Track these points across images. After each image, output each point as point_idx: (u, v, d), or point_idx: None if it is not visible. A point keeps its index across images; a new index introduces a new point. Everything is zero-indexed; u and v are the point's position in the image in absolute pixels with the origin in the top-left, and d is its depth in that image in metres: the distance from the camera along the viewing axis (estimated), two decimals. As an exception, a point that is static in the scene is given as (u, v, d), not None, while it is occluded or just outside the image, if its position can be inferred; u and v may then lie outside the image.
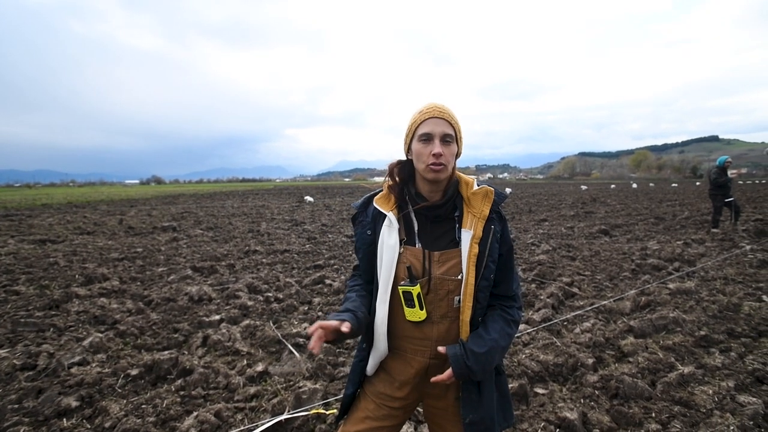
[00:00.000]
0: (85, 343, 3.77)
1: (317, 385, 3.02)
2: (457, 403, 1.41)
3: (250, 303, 4.98)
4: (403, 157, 1.48)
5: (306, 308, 4.94)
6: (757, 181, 59.47)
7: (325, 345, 3.09)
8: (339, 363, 3.49)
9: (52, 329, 4.25)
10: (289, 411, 2.72)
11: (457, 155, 1.39)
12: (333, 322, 1.24)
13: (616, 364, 3.39)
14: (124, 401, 2.92)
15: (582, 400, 2.89)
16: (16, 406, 2.81)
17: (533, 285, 5.66)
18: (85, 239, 10.29)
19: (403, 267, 1.36)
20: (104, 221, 14.16)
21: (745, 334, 3.90)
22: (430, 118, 1.32)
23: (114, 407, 2.81)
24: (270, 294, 5.36)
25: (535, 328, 4.13)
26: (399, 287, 1.35)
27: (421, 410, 2.66)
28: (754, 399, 2.79)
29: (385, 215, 1.41)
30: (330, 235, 10.62)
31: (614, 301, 4.91)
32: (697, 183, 54.01)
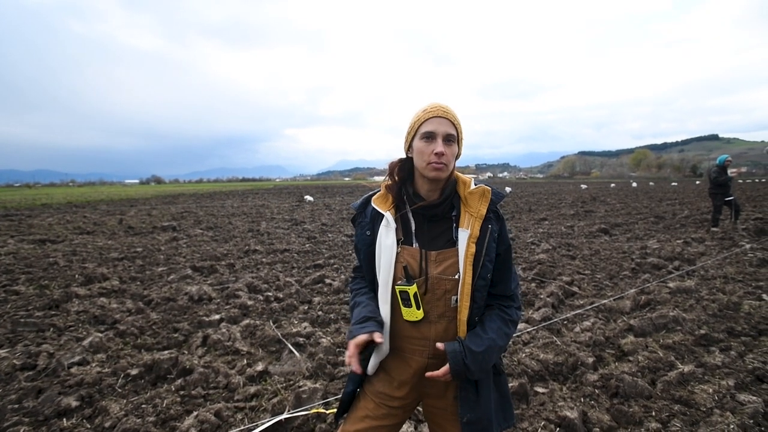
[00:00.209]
0: (85, 342, 3.77)
1: (317, 385, 3.02)
2: (455, 402, 1.41)
3: (250, 302, 4.98)
4: (403, 156, 1.48)
5: (306, 308, 4.93)
6: (756, 180, 59.49)
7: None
8: (339, 362, 3.49)
9: (51, 329, 4.24)
10: (289, 410, 2.72)
11: (457, 156, 1.40)
12: (363, 337, 1.30)
13: (616, 363, 3.39)
14: (124, 401, 2.92)
15: (582, 399, 2.89)
16: (16, 406, 2.81)
17: (533, 284, 5.66)
18: (85, 239, 10.28)
19: (400, 267, 1.36)
20: (104, 221, 14.15)
21: (745, 332, 3.90)
22: (434, 117, 1.32)
23: (114, 407, 2.80)
24: (270, 293, 5.36)
25: (535, 327, 4.13)
26: (396, 287, 1.35)
27: (421, 410, 2.66)
28: (754, 398, 2.79)
29: (383, 215, 1.41)
30: (330, 235, 10.62)
31: (614, 300, 4.92)
32: (697, 182, 54.04)
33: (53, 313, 4.76)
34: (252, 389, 3.06)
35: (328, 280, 6.00)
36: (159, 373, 3.28)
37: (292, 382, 3.17)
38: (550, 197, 24.68)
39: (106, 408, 2.78)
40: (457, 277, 1.34)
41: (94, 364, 3.46)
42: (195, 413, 2.70)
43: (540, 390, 3.03)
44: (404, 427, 2.52)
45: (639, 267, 6.52)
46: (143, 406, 2.84)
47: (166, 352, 3.63)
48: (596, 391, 2.98)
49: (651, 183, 55.29)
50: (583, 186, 42.55)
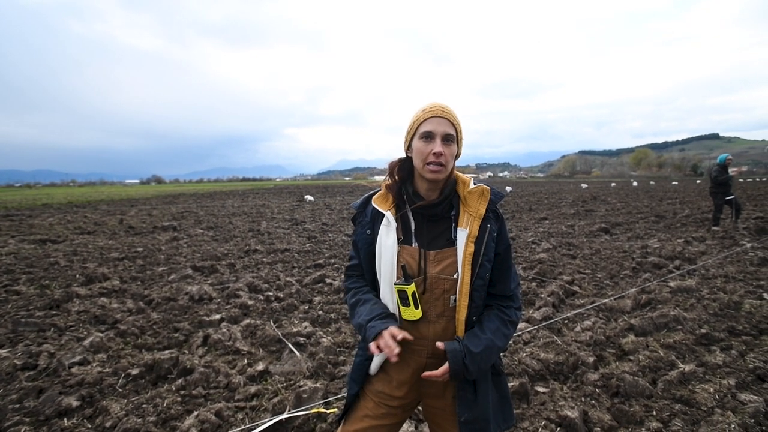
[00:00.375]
0: (86, 342, 3.77)
1: (318, 384, 3.02)
2: (454, 402, 1.41)
3: (250, 302, 4.98)
4: (403, 155, 1.48)
5: (306, 307, 4.93)
6: (757, 179, 59.41)
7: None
8: (339, 362, 3.49)
9: (52, 329, 4.25)
10: (289, 410, 2.72)
11: (457, 156, 1.40)
12: (396, 330, 1.27)
13: (617, 363, 3.38)
14: (125, 401, 2.92)
15: (583, 399, 2.89)
16: (17, 405, 2.81)
17: (534, 283, 5.66)
18: (86, 239, 10.29)
19: (399, 266, 1.36)
20: (104, 221, 14.16)
21: (746, 332, 3.90)
22: (433, 116, 1.32)
23: (115, 407, 2.81)
24: (270, 293, 5.36)
25: (536, 327, 4.12)
26: (394, 286, 1.35)
27: (421, 409, 2.66)
28: (755, 397, 2.78)
29: (383, 214, 1.41)
30: (330, 234, 10.62)
31: (615, 299, 4.91)
32: (698, 181, 53.98)
33: (54, 313, 4.76)
34: (252, 389, 3.06)
35: (328, 280, 6.00)
36: (159, 372, 3.28)
37: (292, 382, 3.17)
38: (550, 196, 24.67)
39: (106, 408, 2.79)
40: (455, 276, 1.34)
41: (94, 364, 3.46)
42: (195, 413, 2.70)
43: (541, 389, 3.03)
44: (404, 426, 2.52)
45: (640, 266, 6.52)
46: (144, 405, 2.84)
47: (166, 351, 3.63)
48: (597, 390, 2.97)
49: (652, 182, 55.25)
50: (584, 185, 42.52)
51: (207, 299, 5.20)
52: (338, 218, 14.47)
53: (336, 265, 7.05)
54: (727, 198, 10.00)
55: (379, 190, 1.48)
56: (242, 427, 2.60)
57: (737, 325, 4.03)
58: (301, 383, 3.11)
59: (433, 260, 1.36)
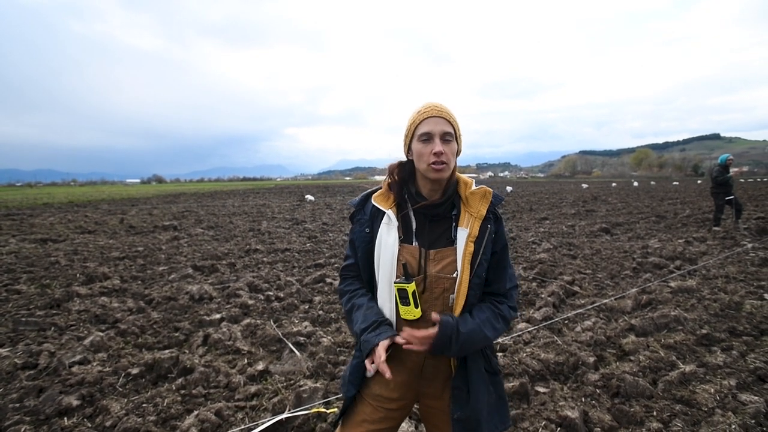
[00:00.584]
0: (86, 342, 3.78)
1: (318, 384, 3.02)
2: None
3: (250, 302, 4.98)
4: (403, 157, 1.48)
5: (307, 307, 4.94)
6: (758, 179, 59.35)
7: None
8: (339, 362, 3.49)
9: (53, 328, 4.25)
10: (289, 410, 2.71)
11: (457, 153, 1.40)
12: (386, 342, 1.29)
13: (618, 363, 3.38)
14: (125, 400, 2.92)
15: (583, 399, 2.89)
16: (17, 405, 2.81)
17: (534, 283, 5.65)
18: (86, 238, 10.30)
19: (400, 265, 1.36)
20: (105, 220, 14.17)
21: (747, 332, 3.89)
22: (429, 117, 1.33)
23: (115, 406, 2.81)
24: (271, 293, 5.36)
25: (536, 327, 4.12)
26: (394, 284, 1.35)
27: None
28: (756, 398, 2.78)
29: (384, 213, 1.41)
30: (331, 234, 10.62)
31: (615, 299, 4.91)
32: (699, 181, 53.92)
33: (54, 312, 4.77)
34: (253, 388, 3.06)
35: (329, 280, 6.00)
36: (160, 372, 3.29)
37: (292, 382, 3.17)
38: (551, 196, 24.65)
39: (106, 407, 2.79)
40: (455, 275, 1.34)
41: (95, 363, 3.47)
42: (195, 412, 2.70)
43: (541, 389, 3.03)
44: (405, 426, 2.52)
45: (640, 266, 6.51)
46: (144, 405, 2.84)
47: (166, 351, 3.64)
48: (597, 390, 2.97)
49: (652, 182, 55.18)
50: (584, 185, 42.49)
51: (207, 299, 5.20)
52: (339, 218, 14.47)
53: (336, 265, 7.05)
54: (727, 198, 9.99)
55: (379, 188, 1.48)
56: (242, 427, 2.60)
57: (738, 325, 4.03)
58: (301, 383, 3.11)
59: (432, 259, 1.36)
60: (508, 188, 32.57)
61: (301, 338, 3.93)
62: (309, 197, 24.38)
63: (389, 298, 1.38)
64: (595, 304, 4.75)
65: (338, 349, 3.75)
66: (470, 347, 1.32)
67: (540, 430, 2.55)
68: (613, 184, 45.94)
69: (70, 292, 5.35)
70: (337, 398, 2.89)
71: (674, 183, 50.14)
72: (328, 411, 2.71)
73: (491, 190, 1.42)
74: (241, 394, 3.00)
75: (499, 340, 3.85)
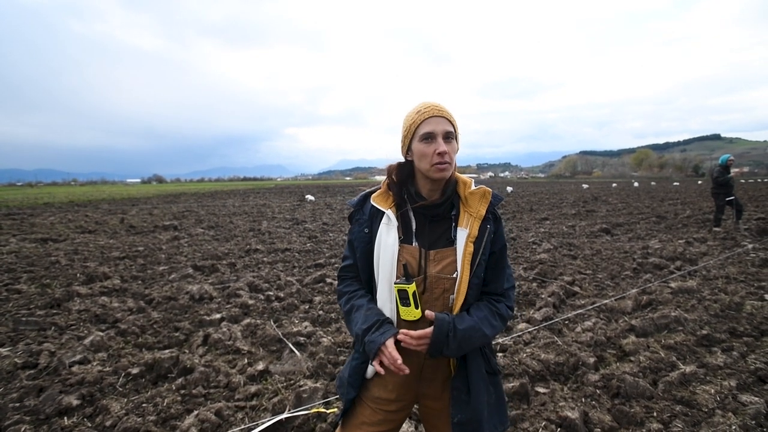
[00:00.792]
0: (86, 341, 3.78)
1: (318, 384, 3.02)
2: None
3: (250, 302, 4.98)
4: (401, 158, 1.47)
5: (307, 307, 4.93)
6: (759, 180, 59.31)
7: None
8: (339, 362, 3.49)
9: (53, 328, 4.25)
10: (289, 410, 2.71)
11: (456, 151, 1.39)
12: (391, 341, 1.29)
13: (618, 363, 3.38)
14: (125, 400, 2.92)
15: (583, 400, 2.88)
16: (18, 404, 2.81)
17: (534, 284, 5.65)
18: (87, 238, 10.31)
19: (400, 265, 1.35)
20: (105, 220, 14.18)
21: (747, 333, 3.89)
22: (430, 117, 1.32)
23: (115, 406, 2.81)
24: (271, 293, 5.36)
25: (536, 327, 4.12)
26: (394, 285, 1.34)
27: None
28: (756, 398, 2.77)
29: (383, 213, 1.40)
30: (331, 234, 10.62)
31: (616, 300, 4.90)
32: (699, 182, 53.88)
33: (55, 311, 4.77)
34: (253, 388, 3.06)
35: (329, 280, 6.00)
36: (160, 372, 3.29)
37: (292, 382, 3.17)
38: (551, 197, 24.64)
39: (106, 407, 2.79)
40: (455, 275, 1.34)
41: (95, 363, 3.47)
42: (195, 412, 2.70)
43: (541, 390, 3.02)
44: (405, 426, 2.52)
45: (641, 267, 6.50)
46: (144, 405, 2.84)
47: (166, 351, 3.64)
48: (597, 391, 2.97)
49: (653, 183, 55.16)
50: (585, 186, 42.47)
51: (207, 299, 5.21)
52: (339, 218, 14.47)
53: (336, 265, 7.05)
54: (728, 199, 9.98)
55: (378, 188, 1.48)
56: (242, 427, 2.60)
57: (738, 326, 4.02)
58: (301, 383, 3.11)
59: (433, 259, 1.36)
60: (509, 188, 32.56)
61: (301, 338, 3.93)
62: (309, 197, 24.39)
63: (389, 298, 1.37)
64: (595, 305, 4.74)
65: (338, 349, 3.75)
66: (468, 345, 1.31)
67: (540, 430, 2.55)
68: (614, 185, 45.91)
69: (71, 291, 5.35)
70: (336, 398, 2.89)
71: (675, 183, 50.11)
72: (327, 411, 2.71)
73: (490, 190, 1.41)
74: (241, 394, 3.00)
75: (499, 340, 3.85)
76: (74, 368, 3.35)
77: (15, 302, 5.07)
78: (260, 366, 3.38)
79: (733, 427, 2.48)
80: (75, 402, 2.84)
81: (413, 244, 1.38)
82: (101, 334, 3.96)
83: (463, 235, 1.34)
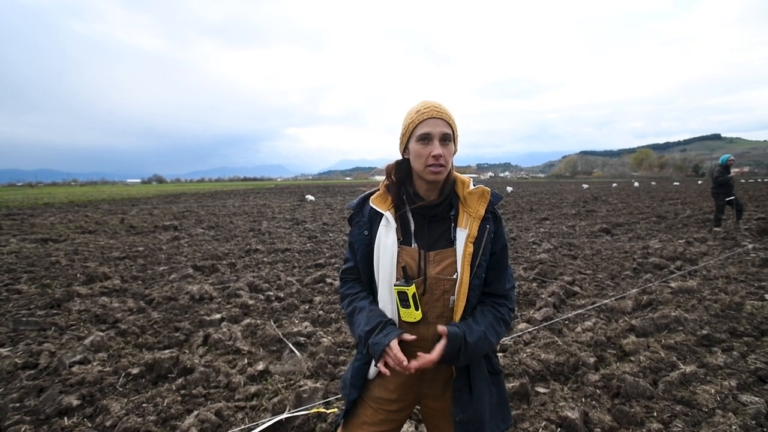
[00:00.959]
0: (87, 341, 3.78)
1: (318, 384, 3.02)
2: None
3: (251, 302, 4.98)
4: (399, 156, 1.47)
5: (307, 307, 4.93)
6: (759, 180, 59.29)
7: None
8: (339, 362, 3.49)
9: (53, 328, 4.25)
10: (289, 410, 2.71)
11: (453, 153, 1.39)
12: (395, 341, 1.29)
13: (618, 363, 3.38)
14: (125, 400, 2.92)
15: (583, 399, 2.88)
16: (18, 404, 2.82)
17: (534, 284, 5.65)
18: (87, 238, 10.31)
19: (399, 267, 1.35)
20: (106, 220, 14.18)
21: (748, 333, 3.89)
22: (428, 118, 1.31)
23: (115, 406, 2.81)
24: (271, 293, 5.36)
25: (537, 327, 4.12)
26: (393, 287, 1.34)
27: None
28: (757, 398, 2.77)
29: (382, 215, 1.40)
30: (331, 234, 10.62)
31: (616, 300, 4.90)
32: (699, 182, 53.87)
33: (55, 312, 4.77)
34: (253, 389, 3.06)
35: (329, 280, 6.00)
36: (160, 372, 3.29)
37: (292, 382, 3.17)
38: (551, 197, 24.64)
39: (107, 407, 2.79)
40: (455, 277, 1.33)
41: (95, 363, 3.47)
42: (196, 412, 2.70)
43: (541, 390, 3.02)
44: (405, 426, 2.52)
45: (641, 267, 6.50)
46: (144, 405, 2.84)
47: (167, 351, 3.64)
48: (597, 391, 2.97)
49: (653, 183, 55.15)
50: (585, 185, 42.46)
51: (207, 299, 5.21)
52: (339, 218, 14.47)
53: (336, 265, 7.05)
54: (728, 199, 9.98)
55: (377, 190, 1.47)
56: (242, 427, 2.60)
57: (738, 326, 4.02)
58: (302, 383, 3.11)
59: (432, 261, 1.35)
60: (509, 188, 32.56)
61: (302, 338, 3.93)
62: (309, 197, 24.39)
63: (390, 300, 1.37)
64: (595, 305, 4.74)
65: (338, 349, 3.75)
66: (476, 355, 1.33)
67: (540, 430, 2.55)
68: (614, 185, 45.91)
69: (71, 291, 5.35)
70: (336, 398, 2.89)
71: (675, 183, 50.10)
72: (328, 411, 2.71)
73: (489, 189, 1.40)
74: (241, 394, 3.00)
75: (500, 340, 3.85)
76: (74, 368, 3.35)
77: (15, 302, 5.07)
78: (260, 366, 3.38)
79: (734, 427, 2.47)
80: (75, 402, 2.84)
81: (412, 245, 1.38)
82: (101, 334, 3.97)
83: (462, 236, 1.34)
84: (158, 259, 7.63)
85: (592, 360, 3.35)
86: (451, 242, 1.36)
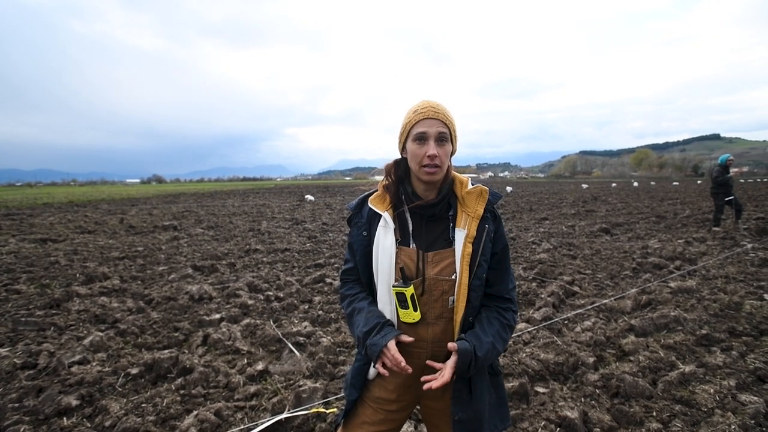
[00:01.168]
0: (86, 342, 3.77)
1: (317, 384, 3.02)
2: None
3: (250, 302, 4.98)
4: (398, 155, 1.47)
5: (306, 307, 4.93)
6: (759, 180, 59.35)
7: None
8: (339, 362, 3.49)
9: (52, 328, 4.25)
10: (289, 410, 2.71)
11: (452, 153, 1.38)
12: (393, 342, 1.29)
13: (617, 363, 3.38)
14: (125, 400, 2.92)
15: (583, 399, 2.89)
16: (17, 404, 2.81)
17: (534, 284, 5.65)
18: (86, 238, 10.30)
19: (397, 268, 1.35)
20: (105, 220, 14.17)
21: (747, 332, 3.89)
22: (425, 118, 1.31)
23: (114, 406, 2.81)
24: (270, 293, 5.36)
25: (536, 327, 4.12)
26: (392, 288, 1.34)
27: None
28: (756, 398, 2.78)
29: (381, 215, 1.40)
30: (331, 234, 10.62)
31: (615, 299, 4.90)
32: (699, 181, 53.91)
33: (54, 312, 4.77)
34: (252, 388, 3.06)
35: (328, 280, 6.00)
36: (159, 372, 3.28)
37: (292, 382, 3.17)
38: (551, 197, 24.65)
39: (106, 407, 2.79)
40: (453, 277, 1.33)
41: (94, 363, 3.46)
42: (195, 412, 2.70)
43: (540, 390, 3.03)
44: (404, 426, 2.52)
45: (640, 267, 6.51)
46: (143, 405, 2.84)
47: (166, 351, 3.63)
48: (597, 391, 2.97)
49: (652, 182, 55.18)
50: (584, 185, 42.47)
51: (207, 299, 5.20)
52: (338, 218, 14.47)
53: (336, 265, 7.05)
54: (727, 199, 9.99)
55: (376, 190, 1.47)
56: (242, 427, 2.60)
57: (738, 325, 4.03)
58: (301, 383, 3.11)
59: (431, 261, 1.35)
60: (508, 188, 32.57)
61: (301, 338, 3.93)
62: (309, 197, 24.38)
63: (389, 301, 1.37)
64: (594, 305, 4.75)
65: (338, 349, 3.75)
66: (486, 365, 1.34)
67: (539, 430, 2.55)
68: (613, 185, 45.93)
69: (70, 292, 5.35)
70: (336, 398, 2.89)
71: (674, 183, 50.13)
72: (327, 411, 2.71)
73: (487, 188, 1.39)
74: (240, 394, 3.00)
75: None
76: (73, 368, 3.34)
77: (14, 302, 5.07)
78: (260, 366, 3.38)
79: (733, 427, 2.48)
80: (74, 402, 2.84)
81: (411, 246, 1.37)
82: (101, 334, 3.96)
83: (461, 236, 1.33)
84: (158, 259, 7.62)
85: (591, 360, 3.35)
86: (450, 242, 1.36)
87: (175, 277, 6.24)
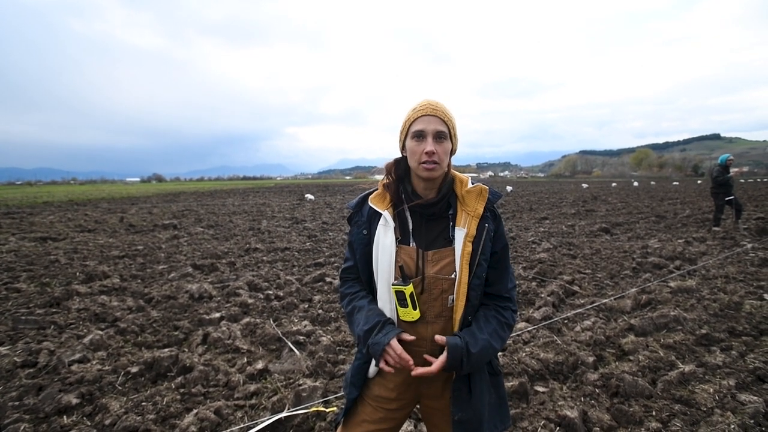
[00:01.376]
0: (86, 340, 3.78)
1: (317, 383, 3.02)
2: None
3: (250, 301, 4.98)
4: (399, 154, 1.47)
5: (306, 306, 4.94)
6: (758, 180, 59.35)
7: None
8: (339, 361, 3.49)
9: (52, 327, 4.25)
10: (289, 409, 2.72)
11: (453, 152, 1.38)
12: (395, 341, 1.29)
13: (617, 363, 3.38)
14: (125, 399, 2.92)
15: (582, 399, 2.89)
16: (17, 403, 2.82)
17: (534, 283, 5.65)
18: (86, 237, 10.30)
19: (397, 266, 1.35)
20: (105, 219, 14.17)
21: (746, 332, 3.89)
22: (423, 115, 1.32)
23: (114, 404, 2.81)
24: (270, 292, 5.36)
25: (536, 326, 4.12)
26: (391, 287, 1.34)
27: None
28: (755, 398, 2.78)
29: (380, 214, 1.40)
30: (330, 233, 10.62)
31: (615, 299, 4.91)
32: (699, 181, 53.91)
33: (54, 310, 4.77)
34: (252, 387, 3.06)
35: (328, 279, 6.00)
36: (159, 370, 3.29)
37: (292, 381, 3.17)
38: (551, 196, 24.65)
39: (106, 405, 2.79)
40: (453, 276, 1.33)
41: (94, 362, 3.47)
42: (195, 411, 2.70)
43: (540, 389, 3.03)
44: (404, 425, 2.52)
45: (640, 266, 6.51)
46: (143, 403, 2.84)
47: (166, 350, 3.63)
48: (596, 390, 2.97)
49: (652, 182, 55.17)
50: (585, 185, 42.46)
51: (207, 297, 5.21)
52: (338, 217, 14.47)
53: (336, 264, 7.05)
54: (727, 198, 9.99)
55: (376, 189, 1.48)
56: (241, 426, 2.60)
57: (737, 325, 4.03)
58: (301, 382, 3.11)
59: (431, 260, 1.35)
60: (509, 188, 32.56)
61: (301, 337, 3.93)
62: (309, 196, 24.37)
63: (389, 299, 1.37)
64: (594, 304, 4.75)
65: (338, 348, 3.75)
66: (482, 363, 1.33)
67: (539, 429, 2.55)
68: (613, 184, 45.92)
69: (70, 290, 5.35)
70: (336, 397, 2.89)
71: (674, 183, 50.13)
72: (327, 410, 2.72)
73: (487, 187, 1.40)
74: (240, 392, 3.00)
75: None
76: (73, 367, 3.35)
77: (14, 301, 5.07)
78: (260, 365, 3.38)
79: (732, 426, 2.48)
80: (74, 401, 2.84)
81: (411, 244, 1.38)
82: (101, 332, 3.96)
83: (461, 235, 1.33)
84: (157, 258, 7.62)
85: (591, 359, 3.35)
86: (450, 241, 1.36)
87: (175, 275, 6.24)
